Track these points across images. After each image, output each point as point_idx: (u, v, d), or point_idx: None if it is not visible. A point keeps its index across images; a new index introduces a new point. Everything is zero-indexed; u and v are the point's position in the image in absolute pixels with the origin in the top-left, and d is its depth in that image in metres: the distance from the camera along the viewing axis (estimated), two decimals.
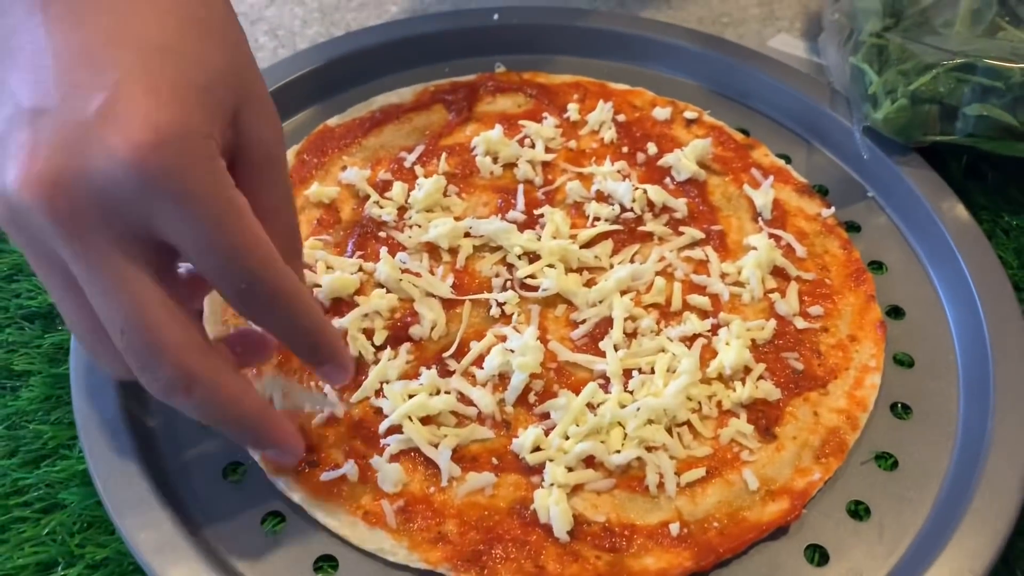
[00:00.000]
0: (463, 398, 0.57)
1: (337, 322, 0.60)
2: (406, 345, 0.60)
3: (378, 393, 0.58)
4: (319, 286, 0.62)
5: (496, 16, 0.82)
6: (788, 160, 0.75)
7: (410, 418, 0.55)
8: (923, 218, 0.68)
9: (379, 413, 0.57)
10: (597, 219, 0.68)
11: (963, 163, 0.73)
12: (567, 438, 0.55)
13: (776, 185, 0.71)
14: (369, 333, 0.60)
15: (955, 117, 0.70)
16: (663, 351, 0.60)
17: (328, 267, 0.64)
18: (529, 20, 0.82)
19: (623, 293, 0.63)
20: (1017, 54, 0.70)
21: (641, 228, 0.68)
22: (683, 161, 0.71)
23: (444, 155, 0.72)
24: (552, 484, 0.53)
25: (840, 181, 0.73)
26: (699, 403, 0.58)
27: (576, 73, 0.81)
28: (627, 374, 0.59)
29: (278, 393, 0.57)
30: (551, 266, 0.64)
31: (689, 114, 0.77)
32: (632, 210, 0.69)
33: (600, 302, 0.63)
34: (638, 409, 0.55)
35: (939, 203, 0.68)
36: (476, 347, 0.60)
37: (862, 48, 0.76)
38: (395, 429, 0.55)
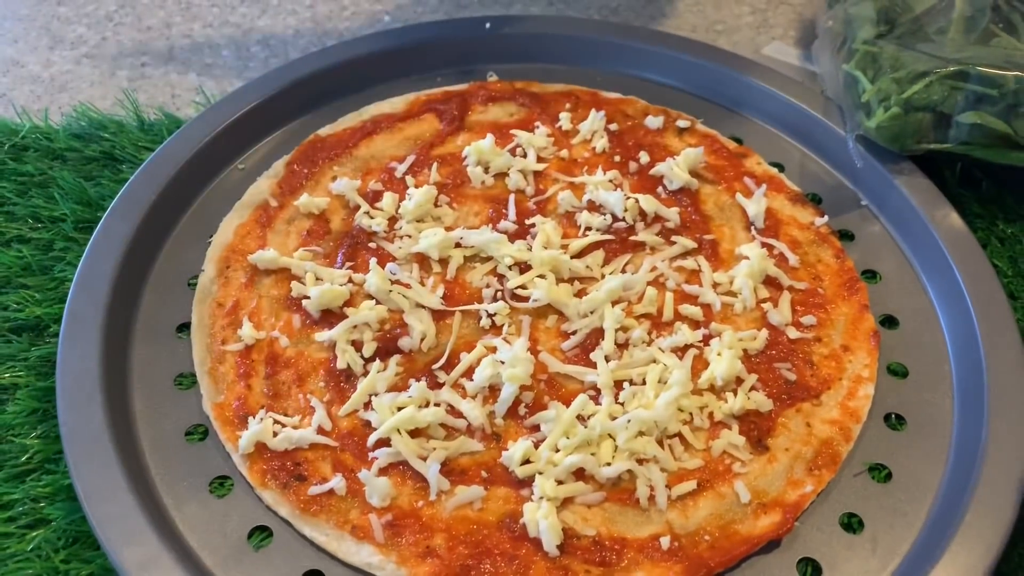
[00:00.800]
0: (452, 410, 0.57)
1: (326, 334, 0.60)
2: (395, 357, 0.59)
3: (367, 406, 0.57)
4: (308, 297, 0.61)
5: (488, 25, 0.82)
6: (781, 168, 0.74)
7: (399, 431, 0.55)
8: (917, 227, 0.68)
9: (368, 426, 0.56)
10: (588, 229, 0.68)
11: (957, 171, 0.73)
12: (557, 450, 0.55)
13: (769, 194, 0.71)
14: (358, 345, 0.60)
15: (949, 125, 0.70)
16: (654, 362, 0.59)
17: (317, 278, 0.63)
18: (521, 29, 0.82)
19: (614, 303, 0.63)
20: (1011, 61, 0.70)
21: (633, 238, 0.67)
22: (675, 170, 0.71)
23: (435, 165, 0.72)
24: (542, 497, 0.52)
25: (833, 189, 0.73)
26: (690, 414, 0.57)
27: (569, 82, 0.80)
28: (618, 385, 0.58)
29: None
30: (542, 276, 0.64)
31: (682, 123, 0.76)
32: (624, 220, 0.68)
33: (591, 312, 0.62)
34: (629, 421, 0.55)
35: (933, 212, 0.67)
36: (466, 359, 0.59)
37: (855, 56, 0.76)
38: (384, 442, 0.55)
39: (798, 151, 0.76)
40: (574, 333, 0.61)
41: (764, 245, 0.67)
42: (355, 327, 0.60)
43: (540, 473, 0.54)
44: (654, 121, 0.76)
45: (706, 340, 0.61)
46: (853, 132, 0.72)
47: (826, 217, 0.70)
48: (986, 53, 0.72)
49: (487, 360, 0.58)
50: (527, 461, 0.54)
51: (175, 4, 0.93)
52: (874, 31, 0.78)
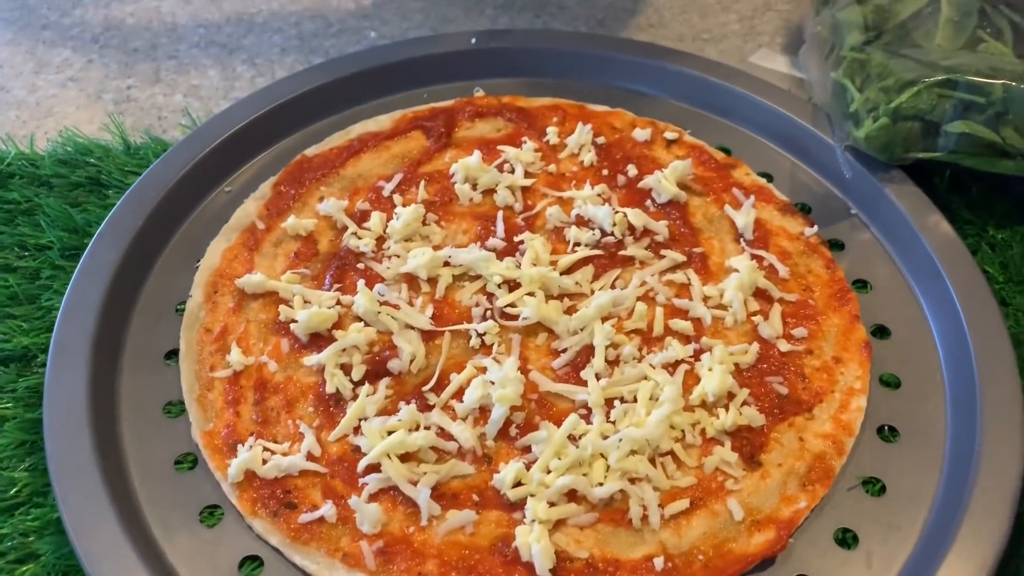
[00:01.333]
0: (443, 433, 0.57)
1: (315, 358, 0.60)
2: (385, 379, 0.59)
3: (356, 430, 0.57)
4: (296, 321, 0.61)
5: (473, 40, 0.81)
6: (770, 178, 0.74)
7: (389, 456, 0.54)
8: (907, 235, 0.67)
9: (358, 451, 0.56)
10: (577, 244, 0.68)
11: (946, 177, 0.73)
12: (549, 472, 0.54)
13: (758, 204, 0.71)
14: (347, 368, 0.60)
15: (937, 133, 0.69)
16: (645, 379, 0.59)
17: (305, 301, 0.63)
18: (506, 44, 0.82)
19: (604, 320, 0.62)
20: (997, 68, 0.70)
21: (622, 252, 0.67)
22: (663, 183, 0.71)
23: (423, 183, 0.72)
24: (534, 520, 0.52)
25: (823, 198, 0.73)
26: (682, 431, 0.57)
27: (555, 95, 0.80)
28: (609, 403, 0.58)
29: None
30: (531, 294, 0.63)
31: (669, 134, 0.76)
32: (612, 234, 0.68)
33: (581, 330, 0.62)
34: (620, 440, 0.55)
35: (923, 220, 0.67)
36: (456, 379, 0.59)
37: (843, 63, 0.76)
38: (374, 467, 0.55)
39: (787, 160, 0.76)
40: (564, 351, 0.61)
41: (754, 257, 0.67)
42: (344, 350, 0.60)
43: (532, 495, 0.53)
44: (641, 133, 0.76)
45: (697, 355, 0.61)
46: (842, 142, 0.71)
47: (816, 227, 0.69)
48: (973, 60, 0.71)
49: (477, 381, 0.58)
50: (519, 483, 0.54)
51: (160, 25, 0.93)
52: (862, 37, 0.77)
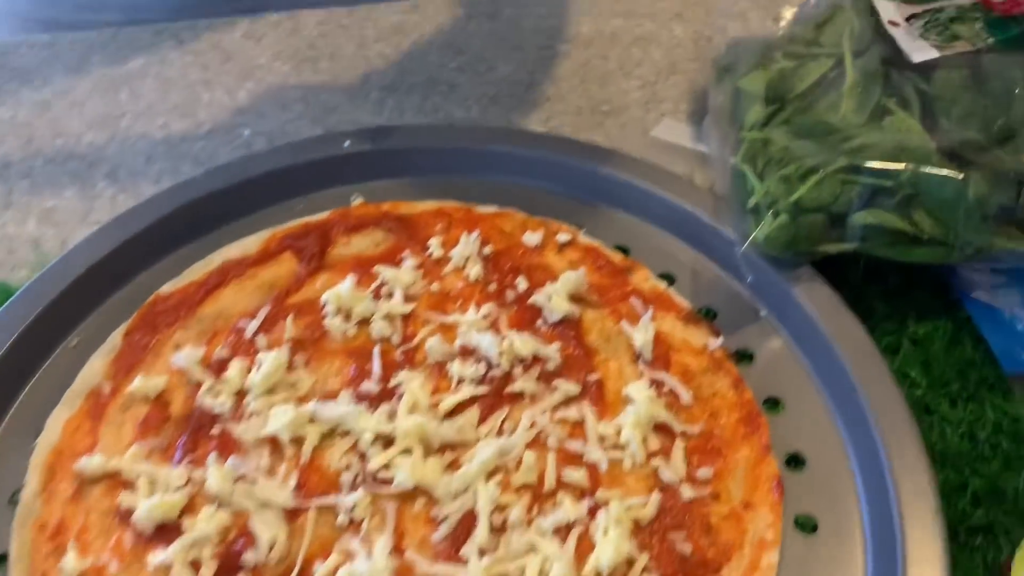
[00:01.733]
0: None
1: (159, 557, 0.53)
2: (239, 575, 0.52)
3: None
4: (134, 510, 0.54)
5: (347, 144, 0.75)
6: (672, 280, 0.68)
7: None
8: (818, 342, 0.62)
9: None
10: (461, 381, 0.61)
11: (861, 266, 0.67)
12: None
13: (659, 314, 0.65)
14: (197, 565, 0.53)
15: (844, 223, 0.64)
16: (534, 550, 0.53)
17: (151, 482, 0.56)
18: (384, 145, 0.75)
19: (489, 476, 0.56)
20: (903, 147, 0.64)
21: (509, 388, 0.61)
22: (555, 300, 0.64)
23: (291, 317, 0.65)
24: None
25: (729, 300, 0.67)
26: None
27: (442, 194, 0.74)
28: None
29: None
30: (408, 451, 0.57)
31: (562, 236, 0.70)
32: (500, 365, 0.62)
33: (464, 491, 0.55)
34: None
35: (834, 325, 0.62)
36: (320, 570, 0.52)
37: (743, 147, 0.70)
38: None
39: (689, 256, 0.70)
40: (445, 519, 0.55)
41: (653, 382, 0.61)
42: (194, 543, 0.53)
43: None
44: (532, 237, 0.70)
45: (592, 512, 0.55)
46: (741, 241, 0.66)
47: (721, 338, 0.63)
48: (878, 137, 0.66)
49: (343, 573, 0.51)
50: None
51: (15, 138, 0.85)
52: (763, 112, 0.72)
